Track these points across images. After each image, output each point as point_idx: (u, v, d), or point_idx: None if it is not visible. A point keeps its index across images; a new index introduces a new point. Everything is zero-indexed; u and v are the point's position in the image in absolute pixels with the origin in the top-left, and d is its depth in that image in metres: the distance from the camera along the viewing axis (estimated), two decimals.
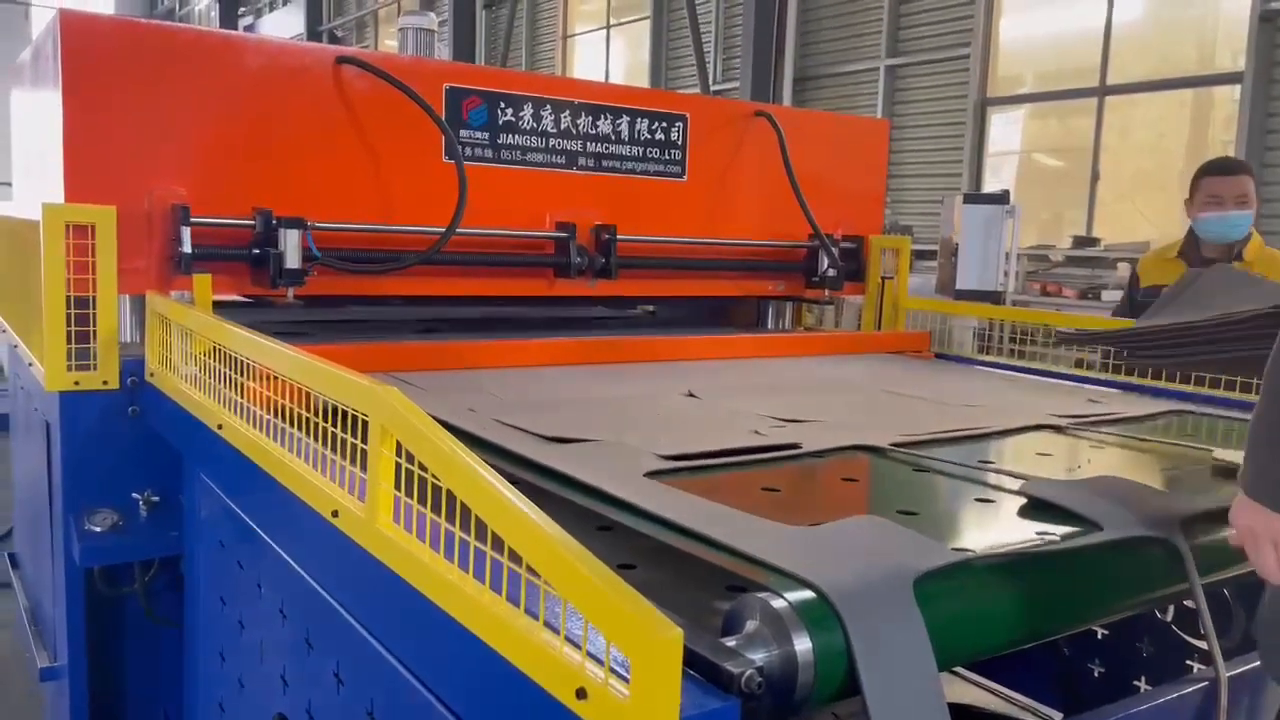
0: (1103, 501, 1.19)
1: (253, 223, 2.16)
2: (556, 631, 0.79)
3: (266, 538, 1.48)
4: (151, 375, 2.02)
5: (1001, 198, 6.27)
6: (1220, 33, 7.72)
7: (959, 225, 5.86)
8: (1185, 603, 1.22)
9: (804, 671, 0.88)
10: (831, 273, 3.01)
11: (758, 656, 0.87)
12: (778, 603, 0.92)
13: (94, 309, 1.99)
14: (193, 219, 2.08)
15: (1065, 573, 1.10)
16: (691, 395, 2.04)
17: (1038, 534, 1.13)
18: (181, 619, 2.06)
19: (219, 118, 2.17)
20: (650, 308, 3.64)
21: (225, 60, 2.18)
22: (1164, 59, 8.00)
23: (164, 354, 1.97)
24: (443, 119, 2.40)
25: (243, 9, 25.45)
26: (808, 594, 0.93)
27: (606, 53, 14.12)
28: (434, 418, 1.02)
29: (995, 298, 5.87)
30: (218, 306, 2.04)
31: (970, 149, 9.33)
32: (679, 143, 2.87)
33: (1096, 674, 2.09)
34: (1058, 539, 1.13)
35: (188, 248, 2.06)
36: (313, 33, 21.27)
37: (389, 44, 18.76)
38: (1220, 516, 1.24)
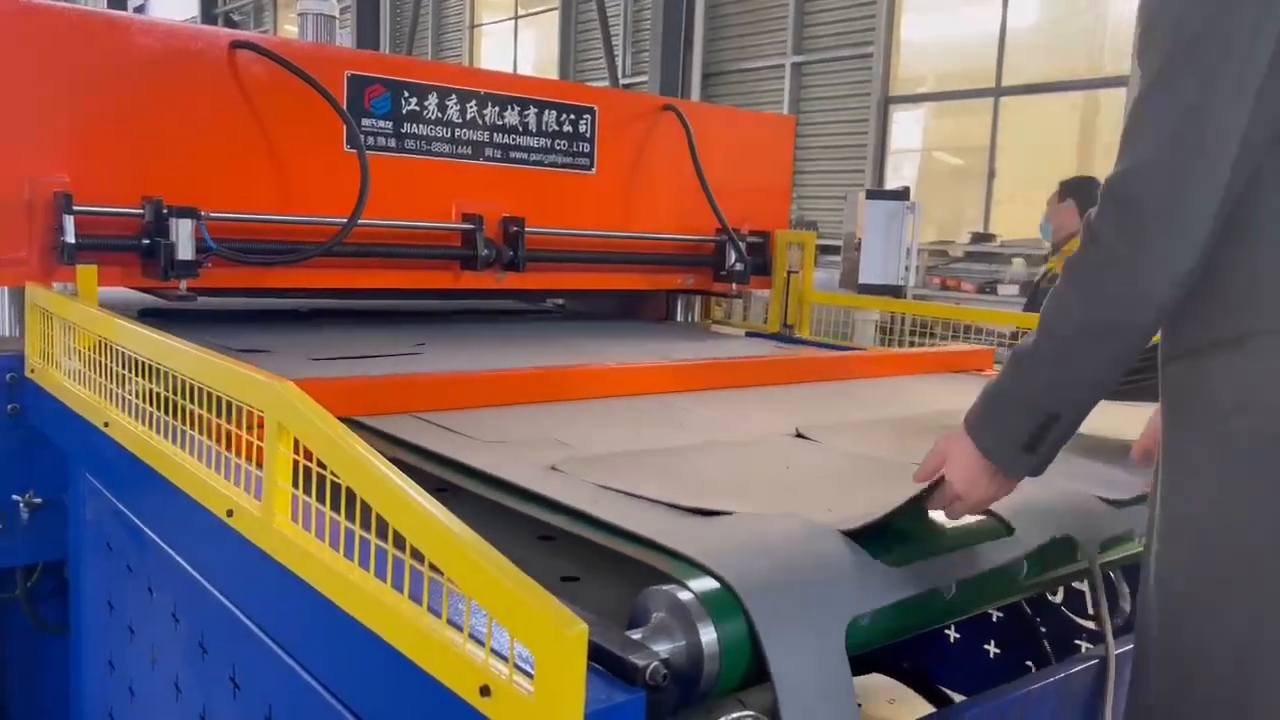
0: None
1: (142, 212, 2.07)
2: (460, 629, 0.78)
3: (157, 539, 1.43)
4: (32, 371, 1.93)
5: (902, 194, 6.45)
6: (1108, 39, 8.05)
7: (862, 221, 6.01)
8: (1073, 584, 1.26)
9: (709, 662, 0.89)
10: (739, 267, 3.04)
11: (663, 648, 0.87)
12: (683, 594, 0.92)
13: None
14: (76, 207, 1.98)
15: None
16: (801, 436, 1.63)
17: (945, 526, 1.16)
18: (67, 625, 1.97)
19: (106, 102, 2.08)
20: (560, 301, 3.63)
21: (112, 42, 2.08)
22: (1056, 63, 8.31)
23: (45, 349, 1.87)
24: (344, 107, 2.34)
25: None
26: (713, 584, 0.94)
27: (515, 44, 13.99)
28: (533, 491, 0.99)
29: (897, 291, 6.04)
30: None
31: (873, 146, 9.54)
32: (588, 135, 2.86)
33: (992, 655, 2.16)
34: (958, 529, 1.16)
35: (71, 237, 1.96)
36: (208, 15, 20.53)
37: (289, 29, 18.23)
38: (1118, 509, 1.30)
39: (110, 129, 2.09)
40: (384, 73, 2.48)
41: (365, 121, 2.44)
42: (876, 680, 2.21)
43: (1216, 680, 1.05)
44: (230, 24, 20.09)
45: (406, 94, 2.51)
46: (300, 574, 1.01)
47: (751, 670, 0.91)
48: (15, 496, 1.95)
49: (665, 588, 0.93)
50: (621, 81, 11.79)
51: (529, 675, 0.71)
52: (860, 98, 9.70)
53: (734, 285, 3.09)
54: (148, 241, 2.07)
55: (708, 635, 0.89)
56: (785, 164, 3.38)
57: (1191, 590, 1.09)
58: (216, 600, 1.24)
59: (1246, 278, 1.08)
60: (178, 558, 1.36)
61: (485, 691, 0.74)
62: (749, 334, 3.26)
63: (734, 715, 0.78)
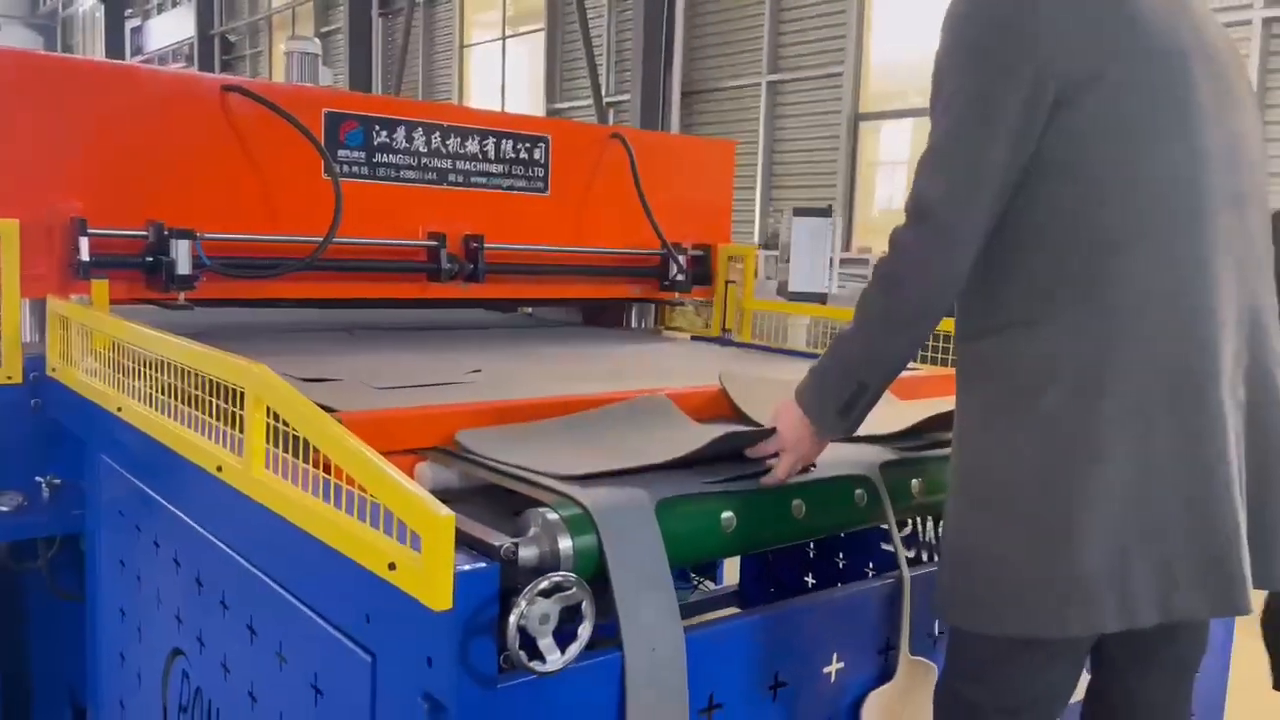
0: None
1: (146, 233, 2.41)
2: (376, 527, 1.11)
3: (162, 500, 1.76)
4: (53, 370, 2.26)
5: (825, 211, 6.96)
6: None
7: (789, 236, 6.46)
8: (881, 525, 1.59)
9: (565, 563, 1.22)
10: (680, 278, 3.38)
11: (531, 552, 1.20)
12: (551, 515, 1.25)
13: None
14: (90, 230, 2.31)
15: (782, 499, 1.47)
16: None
17: (761, 470, 1.50)
18: (81, 592, 2.30)
19: (115, 139, 2.41)
20: (529, 310, 3.97)
21: (120, 88, 2.42)
22: None
23: (64, 351, 2.21)
24: (321, 142, 2.68)
25: (129, 10, 24.82)
26: (576, 509, 1.27)
27: (503, 63, 14.38)
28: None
29: (822, 298, 6.49)
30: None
31: (844, 160, 9.91)
32: (542, 161, 3.20)
33: (810, 584, 2.60)
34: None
35: (85, 256, 2.30)
36: (204, 36, 20.93)
37: (283, 48, 18.64)
38: (908, 464, 1.64)
39: (119, 162, 2.43)
40: (357, 109, 2.82)
41: (341, 152, 2.78)
42: None
43: (981, 569, 1.38)
44: (226, 45, 20.50)
45: (377, 128, 2.85)
46: (273, 508, 1.34)
47: (598, 574, 1.24)
48: (38, 478, 2.28)
49: (541, 509, 1.26)
50: (605, 100, 12.19)
51: (418, 552, 1.04)
52: (833, 115, 10.08)
53: (676, 294, 3.43)
54: (151, 259, 2.40)
55: (565, 544, 1.22)
56: (726, 184, 3.73)
57: (968, 508, 1.41)
58: (209, 541, 1.58)
59: (1027, 275, 1.40)
60: (179, 513, 1.69)
61: (392, 566, 1.07)
62: (694, 338, 3.60)
63: (557, 575, 1.10)
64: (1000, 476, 1.35)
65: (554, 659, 1.09)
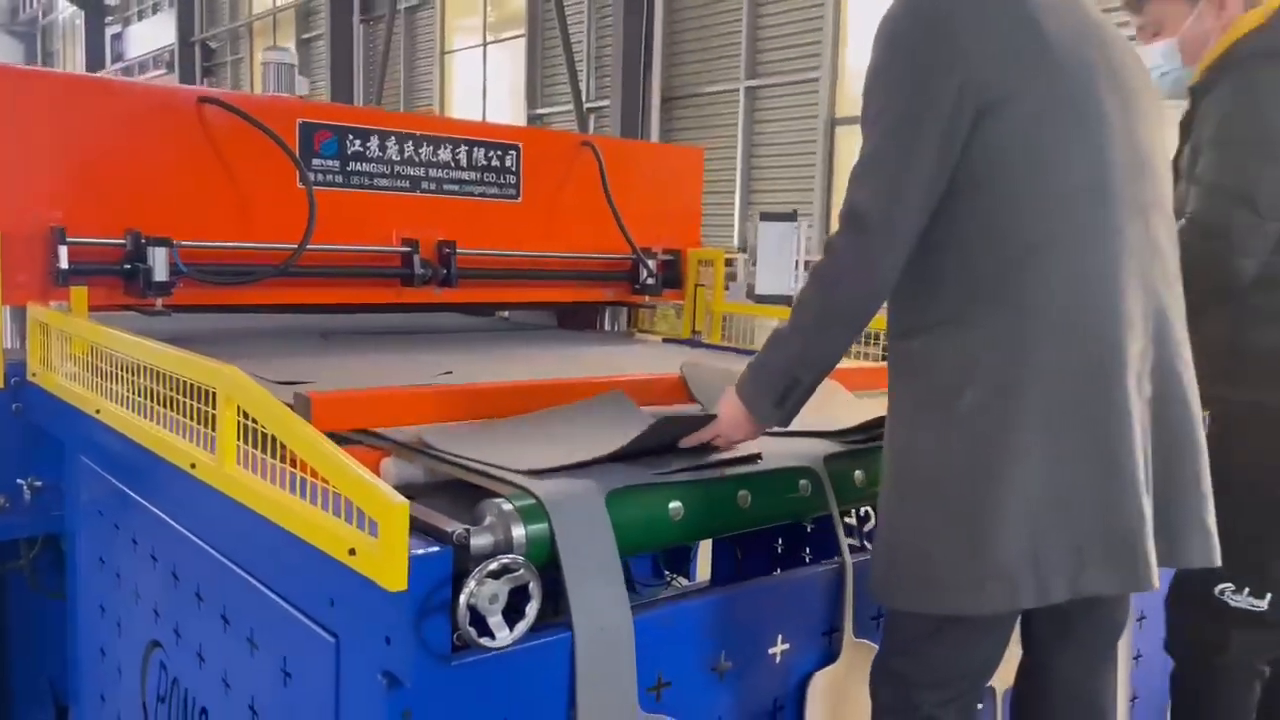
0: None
1: (124, 242, 2.48)
2: (338, 516, 1.19)
3: (139, 498, 1.83)
4: (33, 375, 2.32)
5: (790, 216, 7.06)
6: None
7: (756, 240, 6.58)
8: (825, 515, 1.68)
9: (518, 549, 1.29)
10: (650, 281, 3.47)
11: (486, 539, 1.28)
12: (506, 505, 1.33)
13: None
14: (69, 239, 2.38)
15: (728, 490, 1.56)
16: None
17: (709, 461, 1.58)
18: (62, 590, 2.36)
19: (93, 151, 2.48)
20: (505, 314, 4.05)
21: (98, 100, 2.49)
22: None
23: (44, 356, 2.27)
24: (295, 152, 2.75)
25: (110, 18, 24.78)
26: (530, 500, 1.35)
27: (484, 69, 14.46)
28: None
29: (789, 300, 6.58)
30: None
31: (821, 164, 10.03)
32: (513, 169, 3.28)
33: None
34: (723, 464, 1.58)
35: (65, 264, 2.36)
36: (184, 43, 20.92)
37: (260, 58, 18.64)
38: (850, 456, 1.73)
39: (97, 173, 2.49)
40: (331, 119, 2.90)
41: (315, 161, 2.85)
42: None
43: (910, 554, 1.47)
44: (207, 52, 20.51)
45: (351, 137, 2.93)
46: (243, 502, 1.41)
47: (549, 561, 1.32)
48: (19, 480, 2.34)
49: (497, 500, 1.34)
50: (586, 105, 12.28)
51: (376, 538, 1.12)
52: (809, 119, 10.20)
53: (647, 297, 3.52)
54: (129, 266, 2.47)
55: (518, 531, 1.30)
56: (695, 191, 3.82)
57: (898, 499, 1.50)
58: (184, 536, 1.65)
59: (951, 280, 1.49)
60: (155, 510, 1.76)
61: (352, 552, 1.15)
62: (665, 340, 3.68)
63: (505, 557, 1.18)
64: (926, 470, 1.45)
65: (503, 636, 1.17)
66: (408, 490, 1.21)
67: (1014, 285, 1.41)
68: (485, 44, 14.43)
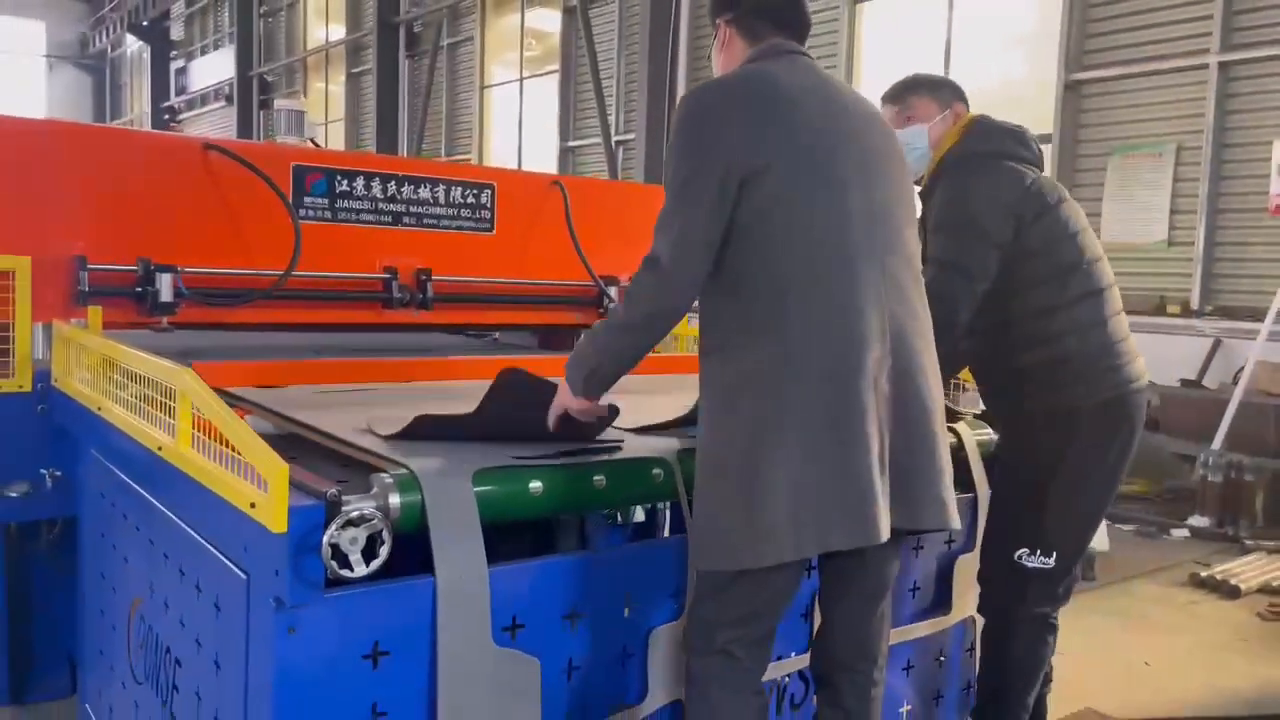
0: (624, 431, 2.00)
1: (135, 268, 2.91)
2: (247, 479, 1.57)
3: (126, 478, 2.23)
4: (56, 381, 2.75)
5: None
6: (1028, 97, 8.78)
7: None
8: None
9: (394, 513, 1.65)
10: (612, 305, 3.83)
11: (367, 506, 1.64)
12: (388, 478, 1.69)
13: (13, 332, 2.71)
14: (89, 266, 2.81)
15: (586, 475, 1.91)
16: None
17: (572, 449, 1.93)
18: (75, 566, 2.78)
19: (111, 190, 2.92)
20: (496, 335, 4.44)
21: (114, 147, 2.94)
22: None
23: (65, 364, 2.70)
24: (290, 191, 3.17)
25: (174, 52, 25.94)
26: (405, 472, 1.71)
27: (520, 103, 15.00)
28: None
29: None
30: None
31: None
32: (488, 205, 3.67)
33: None
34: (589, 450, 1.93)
35: (85, 287, 2.80)
36: (243, 77, 21.84)
37: (319, 86, 19.50)
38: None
39: (114, 210, 2.93)
40: (321, 163, 3.32)
41: (307, 199, 3.27)
42: None
43: (708, 523, 1.82)
44: (264, 86, 21.39)
45: (339, 178, 3.34)
46: (192, 475, 1.80)
47: (420, 527, 1.67)
48: (42, 470, 2.76)
49: (378, 474, 1.70)
50: (614, 138, 12.75)
51: (266, 493, 1.50)
52: None
53: None
54: (139, 290, 2.90)
55: (394, 499, 1.66)
56: None
57: (702, 480, 1.86)
58: (155, 507, 2.04)
59: (732, 310, 1.86)
60: (137, 487, 2.16)
61: (253, 505, 1.53)
62: None
63: (365, 509, 1.55)
64: (717, 459, 1.83)
65: (360, 570, 1.53)
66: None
67: (776, 316, 1.80)
68: (522, 78, 14.99)
